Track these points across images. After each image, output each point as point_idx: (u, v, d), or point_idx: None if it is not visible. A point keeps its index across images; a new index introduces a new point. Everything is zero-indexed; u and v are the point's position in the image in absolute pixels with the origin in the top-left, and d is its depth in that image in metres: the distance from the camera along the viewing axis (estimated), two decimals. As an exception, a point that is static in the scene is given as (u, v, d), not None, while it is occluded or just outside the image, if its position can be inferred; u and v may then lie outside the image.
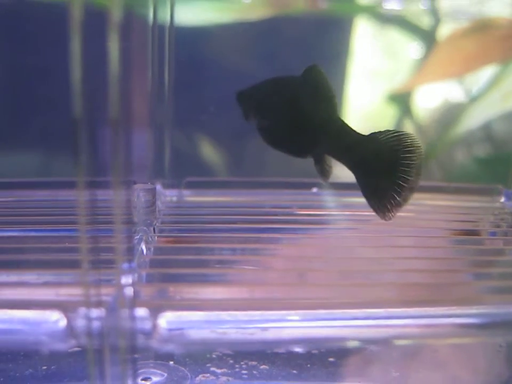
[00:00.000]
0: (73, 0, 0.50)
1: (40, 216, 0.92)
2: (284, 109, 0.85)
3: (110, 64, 0.52)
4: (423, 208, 1.06)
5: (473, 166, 1.42)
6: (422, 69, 1.37)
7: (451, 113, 1.42)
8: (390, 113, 1.42)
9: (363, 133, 0.83)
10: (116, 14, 0.51)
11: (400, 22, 1.36)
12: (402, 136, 0.80)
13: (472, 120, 1.38)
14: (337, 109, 0.85)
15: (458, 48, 1.33)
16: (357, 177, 0.83)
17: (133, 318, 0.58)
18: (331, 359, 0.85)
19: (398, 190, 0.80)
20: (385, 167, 0.80)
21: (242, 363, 0.82)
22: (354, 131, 0.83)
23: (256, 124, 0.88)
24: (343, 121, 0.84)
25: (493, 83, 1.37)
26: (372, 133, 0.82)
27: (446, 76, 1.39)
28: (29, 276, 0.68)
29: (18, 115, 1.24)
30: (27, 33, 1.18)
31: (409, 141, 0.79)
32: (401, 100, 1.41)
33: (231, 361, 0.82)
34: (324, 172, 0.86)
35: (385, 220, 0.82)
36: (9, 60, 1.22)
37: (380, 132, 0.81)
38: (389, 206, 0.81)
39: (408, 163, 0.79)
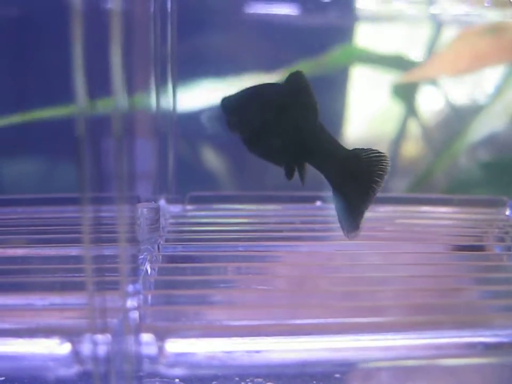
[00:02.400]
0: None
1: (46, 234, 0.92)
2: (266, 115, 0.85)
3: (113, 77, 0.52)
4: (428, 222, 1.06)
5: (478, 173, 1.42)
6: (430, 61, 1.37)
7: (456, 119, 1.42)
8: (395, 115, 1.41)
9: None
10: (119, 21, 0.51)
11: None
12: (381, 158, 0.79)
13: (478, 131, 1.38)
14: (318, 116, 0.84)
15: (469, 45, 1.33)
16: (332, 189, 0.82)
17: (138, 343, 0.58)
18: (337, 375, 0.85)
19: (364, 209, 0.79)
20: (359, 185, 0.79)
21: (248, 380, 0.82)
22: (336, 141, 0.83)
23: (239, 131, 0.88)
24: (324, 130, 0.84)
25: (498, 93, 1.37)
26: (354, 149, 0.81)
27: (453, 71, 1.39)
28: (34, 299, 0.68)
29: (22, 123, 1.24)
30: (31, 40, 1.18)
31: (385, 163, 0.79)
32: (406, 95, 1.40)
33: (237, 379, 0.82)
34: (303, 179, 0.86)
35: (348, 238, 0.80)
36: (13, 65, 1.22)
37: (363, 149, 0.80)
38: (354, 224, 0.80)
39: (378, 184, 0.79)
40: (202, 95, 1.21)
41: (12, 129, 1.22)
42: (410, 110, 1.41)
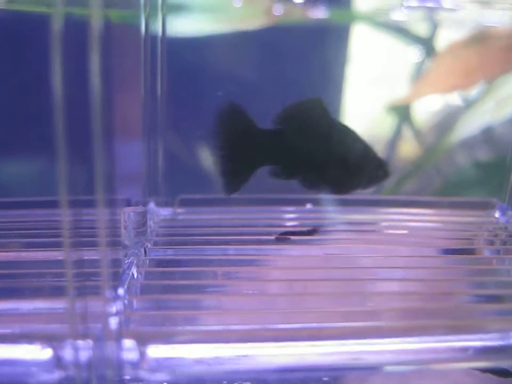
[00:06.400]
0: (54, 12, 0.49)
1: (35, 238, 0.92)
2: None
3: (91, 75, 0.51)
4: (418, 225, 1.06)
5: (472, 171, 1.42)
6: (422, 81, 1.37)
7: (449, 118, 1.41)
8: (390, 120, 1.41)
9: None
10: (97, 24, 0.50)
11: (399, 30, 1.36)
12: None
13: (468, 128, 1.38)
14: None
15: (458, 60, 1.32)
16: None
17: (120, 348, 0.57)
18: (325, 379, 0.84)
19: None
20: None
21: (236, 384, 0.81)
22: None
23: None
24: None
25: (488, 90, 1.36)
26: None
27: (447, 89, 1.39)
28: (17, 304, 0.67)
29: (17, 124, 1.23)
30: (22, 40, 1.17)
31: None
32: (401, 110, 1.41)
33: (225, 382, 0.81)
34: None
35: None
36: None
37: None
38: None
39: None
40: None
41: (6, 130, 1.22)
42: (406, 119, 1.41)
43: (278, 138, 0.88)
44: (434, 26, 1.34)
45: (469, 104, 1.39)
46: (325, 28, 1.30)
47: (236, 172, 0.90)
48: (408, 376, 0.83)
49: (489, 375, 0.78)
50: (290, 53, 1.31)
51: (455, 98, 1.41)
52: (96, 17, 0.48)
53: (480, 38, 1.30)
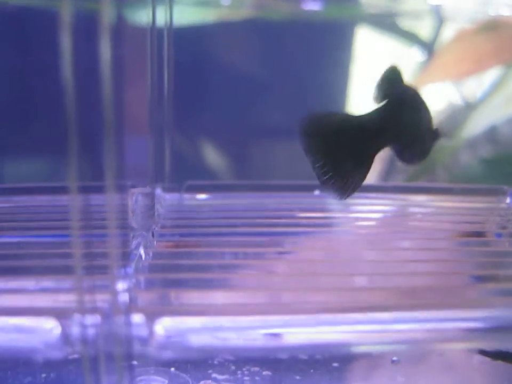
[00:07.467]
0: (63, 5, 0.49)
1: (40, 221, 0.91)
2: None
3: (102, 67, 0.51)
4: (428, 210, 1.05)
5: (479, 168, 1.41)
6: (430, 67, 1.36)
7: (456, 116, 1.41)
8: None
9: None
10: (107, 17, 0.50)
11: (399, 29, 1.35)
12: None
13: (476, 126, 1.37)
14: None
15: (468, 47, 1.32)
16: None
17: (128, 324, 0.57)
18: (335, 364, 0.83)
19: None
20: None
21: (244, 369, 0.81)
22: None
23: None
24: None
25: (496, 88, 1.35)
26: None
27: (455, 75, 1.38)
28: (23, 283, 0.67)
29: (22, 119, 1.23)
30: (28, 37, 1.17)
31: None
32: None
33: (233, 367, 0.81)
34: None
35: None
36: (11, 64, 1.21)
37: None
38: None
39: None
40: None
41: (15, 128, 1.22)
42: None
43: (378, 119, 0.82)
44: (440, 20, 1.34)
45: (477, 101, 1.39)
46: (328, 26, 1.30)
47: (347, 174, 0.78)
48: (417, 366, 0.82)
49: (500, 363, 0.77)
50: (298, 49, 1.31)
51: (462, 94, 1.40)
52: (106, 8, 0.48)
53: (491, 27, 1.30)
